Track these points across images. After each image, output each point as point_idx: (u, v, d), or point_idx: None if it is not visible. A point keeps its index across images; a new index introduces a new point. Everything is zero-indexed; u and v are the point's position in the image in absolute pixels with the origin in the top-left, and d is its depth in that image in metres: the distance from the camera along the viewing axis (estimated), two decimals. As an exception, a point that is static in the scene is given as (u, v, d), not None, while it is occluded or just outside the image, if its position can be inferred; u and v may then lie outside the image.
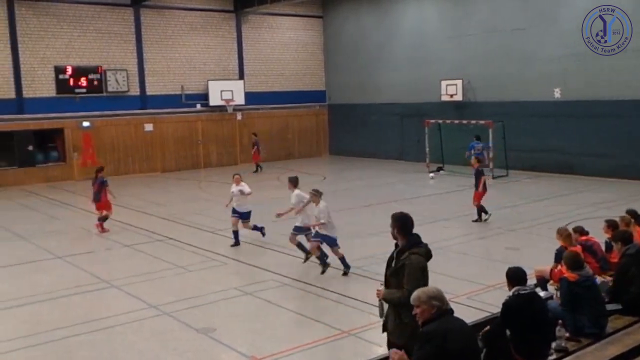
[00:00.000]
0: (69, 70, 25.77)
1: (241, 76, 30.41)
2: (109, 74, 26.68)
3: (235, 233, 14.16)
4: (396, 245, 6.02)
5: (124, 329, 9.30)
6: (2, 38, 24.31)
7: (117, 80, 26.92)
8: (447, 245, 13.51)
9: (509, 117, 23.70)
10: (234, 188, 14.27)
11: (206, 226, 16.42)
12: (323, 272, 11.51)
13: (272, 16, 31.19)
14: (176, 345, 8.63)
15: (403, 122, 29.25)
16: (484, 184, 15.84)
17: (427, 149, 25.61)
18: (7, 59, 24.45)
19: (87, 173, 26.24)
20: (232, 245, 14.05)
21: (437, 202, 19.51)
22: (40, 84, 25.30)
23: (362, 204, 19.00)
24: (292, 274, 11.62)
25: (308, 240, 12.19)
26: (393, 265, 5.88)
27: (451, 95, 26.56)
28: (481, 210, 15.86)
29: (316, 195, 11.55)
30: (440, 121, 25.36)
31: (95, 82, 26.40)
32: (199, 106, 29.29)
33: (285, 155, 32.02)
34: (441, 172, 24.87)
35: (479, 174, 15.89)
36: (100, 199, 16.03)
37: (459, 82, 26.28)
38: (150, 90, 27.98)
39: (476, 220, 15.78)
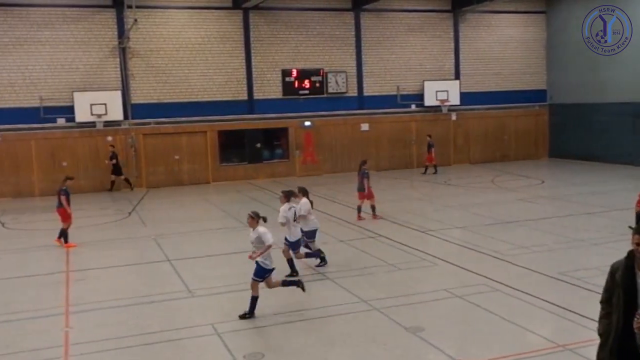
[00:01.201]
0: (294, 73, 27.55)
1: (457, 76, 30.05)
2: (329, 75, 28.02)
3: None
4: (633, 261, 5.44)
5: (336, 319, 9.74)
6: (238, 45, 26.71)
7: (336, 82, 28.17)
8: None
9: None
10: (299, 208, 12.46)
11: (417, 225, 16.53)
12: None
13: (491, 14, 30.37)
14: (385, 341, 8.83)
15: (636, 123, 26.70)
16: None
17: (664, 154, 23.13)
18: (242, 63, 26.83)
19: (307, 170, 27.94)
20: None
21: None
22: (268, 87, 27.38)
23: (584, 211, 17.73)
24: (505, 280, 11.25)
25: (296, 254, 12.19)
26: None
27: (695, 94, 23.69)
28: None
29: (253, 218, 10.08)
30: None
31: (317, 84, 27.90)
32: (413, 106, 29.53)
33: (501, 157, 31.01)
34: (680, 179, 22.31)
35: None
36: (364, 189, 17.28)
37: None
38: (367, 91, 28.84)
39: None
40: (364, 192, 17.39)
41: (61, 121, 24.57)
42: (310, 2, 27.60)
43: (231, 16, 26.57)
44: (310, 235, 12.80)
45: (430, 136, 27.89)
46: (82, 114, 24.38)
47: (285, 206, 12.02)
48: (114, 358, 8.59)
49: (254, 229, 9.99)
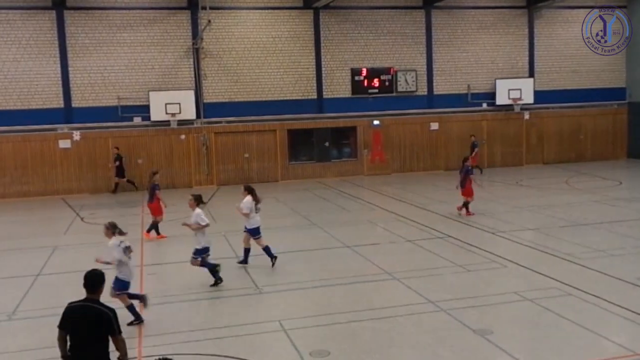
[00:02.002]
0: (364, 72, 27.50)
1: (531, 74, 29.26)
2: (399, 74, 27.83)
3: (246, 250, 13.20)
4: None
5: (403, 320, 9.69)
6: (308, 44, 26.90)
7: (406, 81, 27.95)
8: None
9: None
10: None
11: (487, 227, 16.22)
12: None
13: (568, 9, 29.37)
14: (452, 342, 8.72)
15: None
16: None
17: None
18: (312, 63, 27.00)
19: (375, 169, 27.84)
20: (239, 262, 13.19)
21: None
22: (338, 85, 27.45)
23: (666, 215, 16.97)
24: (578, 284, 10.89)
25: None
26: None
27: None
28: None
29: (109, 229, 9.78)
30: None
31: (387, 83, 27.75)
32: (485, 105, 28.96)
33: (576, 157, 29.99)
34: None
35: None
36: (464, 186, 17.69)
37: None
38: (437, 90, 28.48)
39: None
40: (465, 189, 17.68)
41: (137, 120, 25.44)
42: (380, 1, 27.50)
43: (302, 16, 26.79)
44: (253, 232, 12.95)
45: (474, 136, 27.17)
46: (157, 113, 25.16)
47: (198, 210, 11.90)
48: (185, 350, 8.83)
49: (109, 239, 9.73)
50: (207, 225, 11.83)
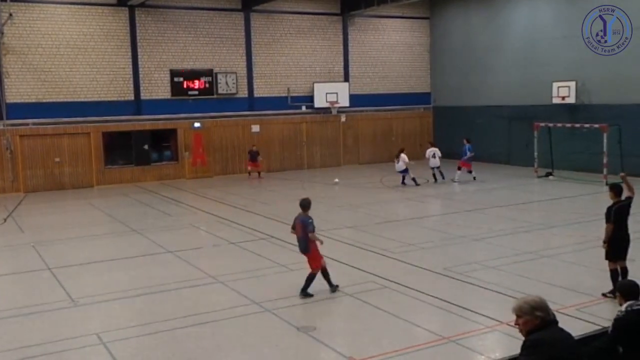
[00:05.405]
0: (183, 73, 26.96)
1: (346, 78, 30.63)
2: (219, 76, 27.67)
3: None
4: None
5: (228, 323, 9.62)
6: (124, 43, 25.79)
7: (227, 83, 27.87)
8: (556, 253, 12.99)
9: (628, 120, 22.41)
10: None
11: (309, 226, 16.61)
12: None
13: (378, 18, 31.19)
14: (278, 341, 8.82)
15: (511, 125, 28.37)
16: None
17: (536, 154, 24.68)
18: (128, 63, 25.93)
19: (196, 172, 27.43)
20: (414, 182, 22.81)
21: (546, 209, 18.81)
22: (156, 87, 26.64)
23: (466, 209, 18.60)
24: (393, 277, 11.57)
25: None
26: None
27: (563, 98, 25.45)
28: None
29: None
30: (551, 124, 24.37)
31: (207, 85, 27.46)
32: (304, 108, 29.78)
33: (388, 158, 31.85)
34: (550, 177, 23.94)
35: None
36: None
37: (572, 84, 25.13)
38: (257, 93, 28.75)
39: None
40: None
41: None
42: (198, 2, 27.13)
43: (116, 13, 25.61)
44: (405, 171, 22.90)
45: (254, 146, 27.14)
46: (-50, 114, 22.65)
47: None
48: (-12, 375, 8.04)
49: None
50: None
